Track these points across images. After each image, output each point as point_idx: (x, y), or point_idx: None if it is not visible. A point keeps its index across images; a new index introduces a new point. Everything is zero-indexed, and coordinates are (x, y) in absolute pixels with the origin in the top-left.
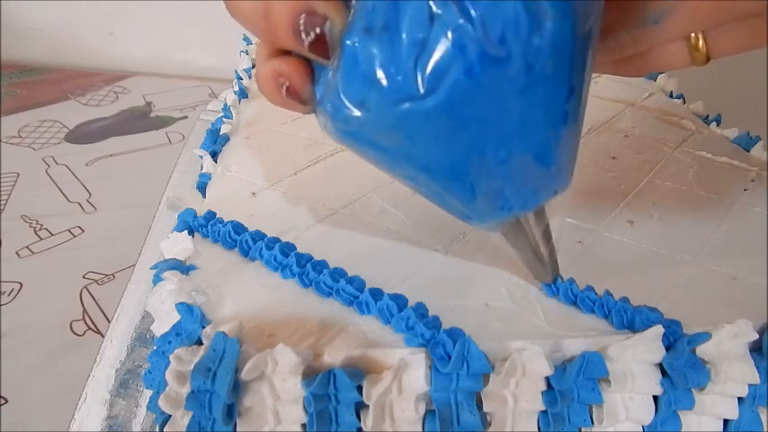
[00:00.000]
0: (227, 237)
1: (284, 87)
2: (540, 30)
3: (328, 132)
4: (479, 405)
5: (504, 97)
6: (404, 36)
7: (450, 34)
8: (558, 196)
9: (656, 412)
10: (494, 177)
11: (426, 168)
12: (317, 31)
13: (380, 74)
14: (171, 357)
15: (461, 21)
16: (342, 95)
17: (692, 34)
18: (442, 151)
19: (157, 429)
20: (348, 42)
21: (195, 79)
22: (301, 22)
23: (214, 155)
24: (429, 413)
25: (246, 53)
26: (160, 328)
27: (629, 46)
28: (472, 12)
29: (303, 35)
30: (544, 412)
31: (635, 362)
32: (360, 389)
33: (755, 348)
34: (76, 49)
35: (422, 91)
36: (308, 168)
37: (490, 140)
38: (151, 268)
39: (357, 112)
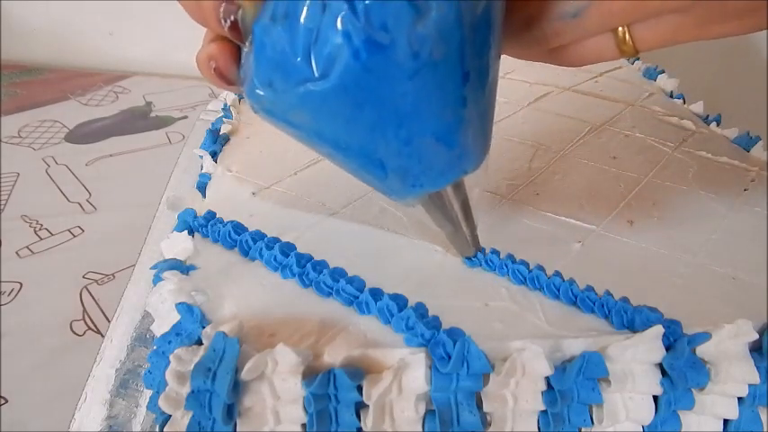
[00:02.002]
0: (227, 237)
1: (213, 68)
2: (425, 19)
3: (253, 111)
4: (479, 405)
5: (394, 81)
6: (301, 23)
7: (337, 22)
8: (558, 197)
9: (656, 412)
10: (400, 156)
11: (338, 147)
12: (232, 18)
13: (282, 58)
14: (171, 357)
15: (347, 9)
16: (254, 77)
17: (619, 28)
18: (346, 130)
19: (157, 429)
20: (257, 29)
21: (195, 79)
22: (221, 9)
23: (214, 155)
24: (429, 413)
25: None
26: (160, 328)
27: (554, 37)
28: (357, 2)
29: (223, 21)
30: (544, 412)
31: (635, 362)
32: (360, 389)
33: (755, 348)
34: (76, 49)
35: (317, 74)
36: (308, 168)
37: (389, 121)
38: (151, 268)
39: (266, 93)
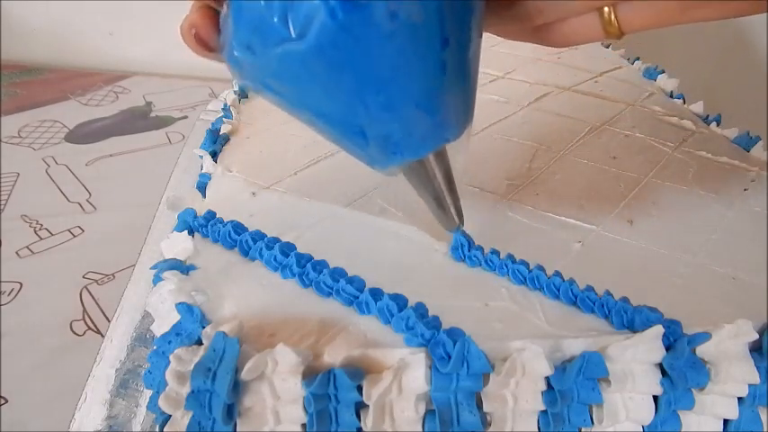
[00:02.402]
0: (227, 237)
1: (193, 34)
2: None
3: (234, 78)
4: (479, 405)
5: (372, 42)
6: None
7: None
8: (558, 197)
9: (656, 412)
10: (380, 122)
11: (318, 113)
12: None
13: (260, 19)
14: (171, 357)
15: None
16: (233, 40)
17: (605, 9)
18: (325, 95)
19: (157, 429)
20: None
21: (195, 79)
22: None
23: (214, 155)
24: (429, 413)
25: None
26: (160, 328)
27: (537, 15)
28: None
29: None
30: (544, 412)
31: (635, 362)
32: (360, 389)
33: (755, 348)
34: (76, 49)
35: (293, 35)
36: (308, 168)
37: (368, 85)
38: (151, 268)
39: (245, 56)
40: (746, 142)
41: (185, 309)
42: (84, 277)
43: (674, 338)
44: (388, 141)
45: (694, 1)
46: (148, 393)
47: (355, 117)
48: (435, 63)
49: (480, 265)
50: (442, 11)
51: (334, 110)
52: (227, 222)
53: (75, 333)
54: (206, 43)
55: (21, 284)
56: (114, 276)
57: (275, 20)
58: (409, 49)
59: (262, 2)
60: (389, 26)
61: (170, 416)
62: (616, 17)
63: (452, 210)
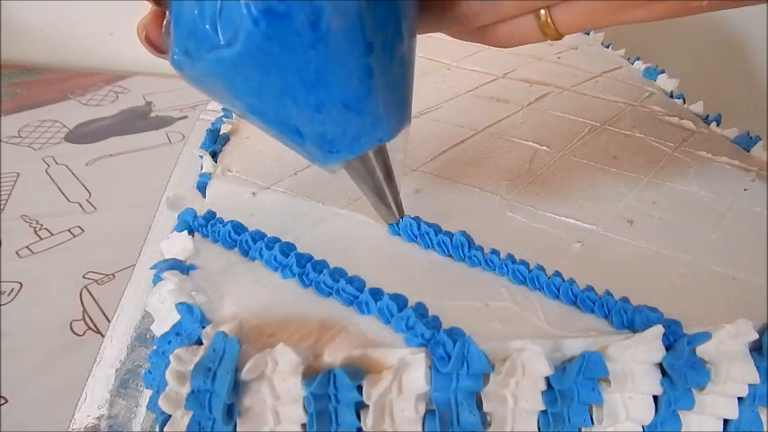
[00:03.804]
0: (227, 237)
1: (144, 36)
2: None
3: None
4: (479, 405)
5: (296, 49)
6: None
7: None
8: (558, 197)
9: (656, 412)
10: (313, 122)
11: (255, 112)
12: None
13: (194, 26)
14: (171, 357)
15: None
16: (174, 44)
17: (541, 11)
18: (258, 97)
19: (157, 429)
20: None
21: None
22: None
23: (214, 155)
24: (429, 413)
25: None
26: (160, 328)
27: (474, 18)
28: None
29: None
30: (544, 412)
31: (635, 362)
32: (360, 389)
33: (755, 348)
34: (76, 49)
35: (223, 42)
36: (308, 168)
37: (297, 88)
38: (151, 268)
39: (184, 59)
40: (746, 142)
41: (185, 309)
42: (84, 277)
43: (674, 338)
44: (323, 140)
45: (627, 2)
46: (148, 393)
47: (289, 118)
48: (361, 68)
49: (480, 265)
50: (364, 19)
51: (269, 110)
52: (227, 222)
53: (75, 333)
54: (156, 44)
55: (21, 284)
56: (114, 276)
57: (207, 27)
58: (333, 55)
59: (195, 10)
60: (311, 34)
61: (170, 416)
62: (552, 19)
63: (392, 204)
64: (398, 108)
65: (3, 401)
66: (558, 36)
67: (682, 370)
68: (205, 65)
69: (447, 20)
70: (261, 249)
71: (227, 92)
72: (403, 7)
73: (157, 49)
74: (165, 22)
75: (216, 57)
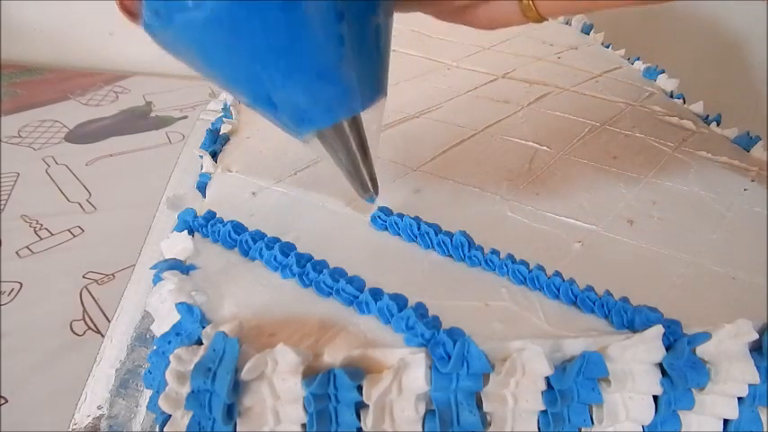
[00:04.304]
0: (227, 237)
1: (121, 3)
2: None
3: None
4: (479, 405)
5: (266, 11)
6: None
7: None
8: (558, 197)
9: (656, 412)
10: (284, 90)
11: (227, 78)
12: None
13: None
14: (171, 357)
15: None
16: (145, 7)
17: None
18: (229, 61)
19: (157, 429)
20: None
21: (195, 79)
22: None
23: (214, 155)
24: (429, 413)
25: None
26: (160, 328)
27: None
28: None
29: None
30: (544, 412)
31: (635, 362)
32: (360, 389)
33: (755, 348)
34: (76, 49)
35: (191, 2)
36: (307, 168)
37: (267, 53)
38: (151, 268)
39: (155, 22)
40: (746, 142)
41: (185, 309)
42: (84, 277)
43: (674, 338)
44: (295, 109)
45: None
46: (148, 393)
47: (261, 85)
48: (332, 35)
49: (480, 265)
50: None
51: (241, 75)
52: (227, 222)
53: (75, 333)
54: (130, 11)
55: (21, 284)
56: (114, 276)
57: None
58: (303, 20)
59: None
60: None
61: (170, 416)
62: (533, 2)
63: (367, 178)
64: (372, 79)
65: (3, 401)
66: (540, 19)
67: (682, 370)
68: (176, 28)
69: None
70: (261, 249)
71: (199, 58)
72: None
73: (133, 15)
74: None
75: (185, 19)
